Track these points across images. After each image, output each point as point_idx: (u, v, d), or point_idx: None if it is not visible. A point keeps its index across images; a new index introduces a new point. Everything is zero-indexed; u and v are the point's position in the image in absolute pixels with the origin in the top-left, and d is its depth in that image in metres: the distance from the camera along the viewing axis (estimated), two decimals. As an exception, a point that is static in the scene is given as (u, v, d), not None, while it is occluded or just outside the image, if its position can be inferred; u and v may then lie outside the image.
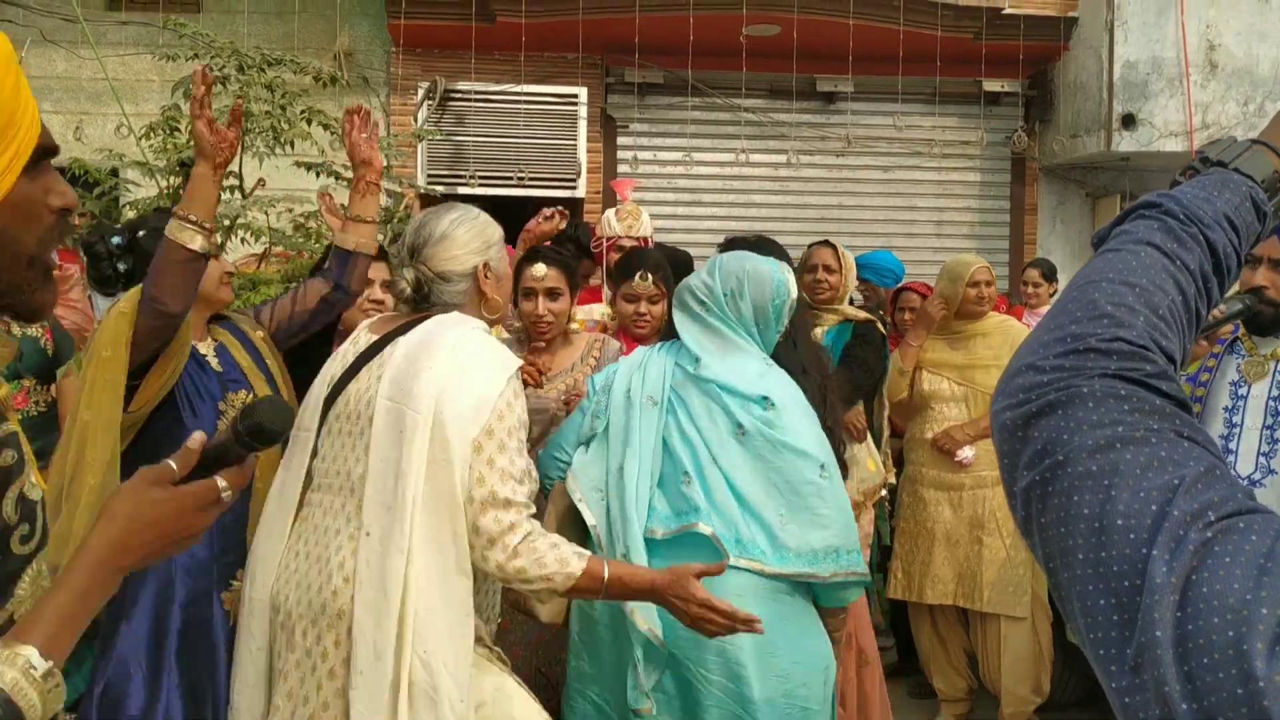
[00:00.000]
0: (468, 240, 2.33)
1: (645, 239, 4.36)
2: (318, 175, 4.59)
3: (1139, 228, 0.94)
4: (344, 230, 2.79)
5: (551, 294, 3.31)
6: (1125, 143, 7.77)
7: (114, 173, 7.68)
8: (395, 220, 4.55)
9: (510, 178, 8.13)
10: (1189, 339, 0.90)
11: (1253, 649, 0.65)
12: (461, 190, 7.97)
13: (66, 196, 1.10)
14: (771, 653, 2.43)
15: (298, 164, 4.47)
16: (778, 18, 7.56)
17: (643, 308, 3.52)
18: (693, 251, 7.67)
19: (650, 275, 3.50)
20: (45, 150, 1.05)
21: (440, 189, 7.76)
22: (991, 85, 8.32)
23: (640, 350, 2.87)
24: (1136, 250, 0.91)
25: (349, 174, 4.84)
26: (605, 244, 4.34)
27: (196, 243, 2.30)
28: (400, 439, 2.12)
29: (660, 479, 2.59)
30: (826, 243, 4.46)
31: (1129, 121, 7.72)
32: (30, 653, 0.97)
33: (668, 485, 2.58)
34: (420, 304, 2.34)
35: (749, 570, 2.43)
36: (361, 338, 2.37)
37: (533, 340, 3.38)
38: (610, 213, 4.40)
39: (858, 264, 4.78)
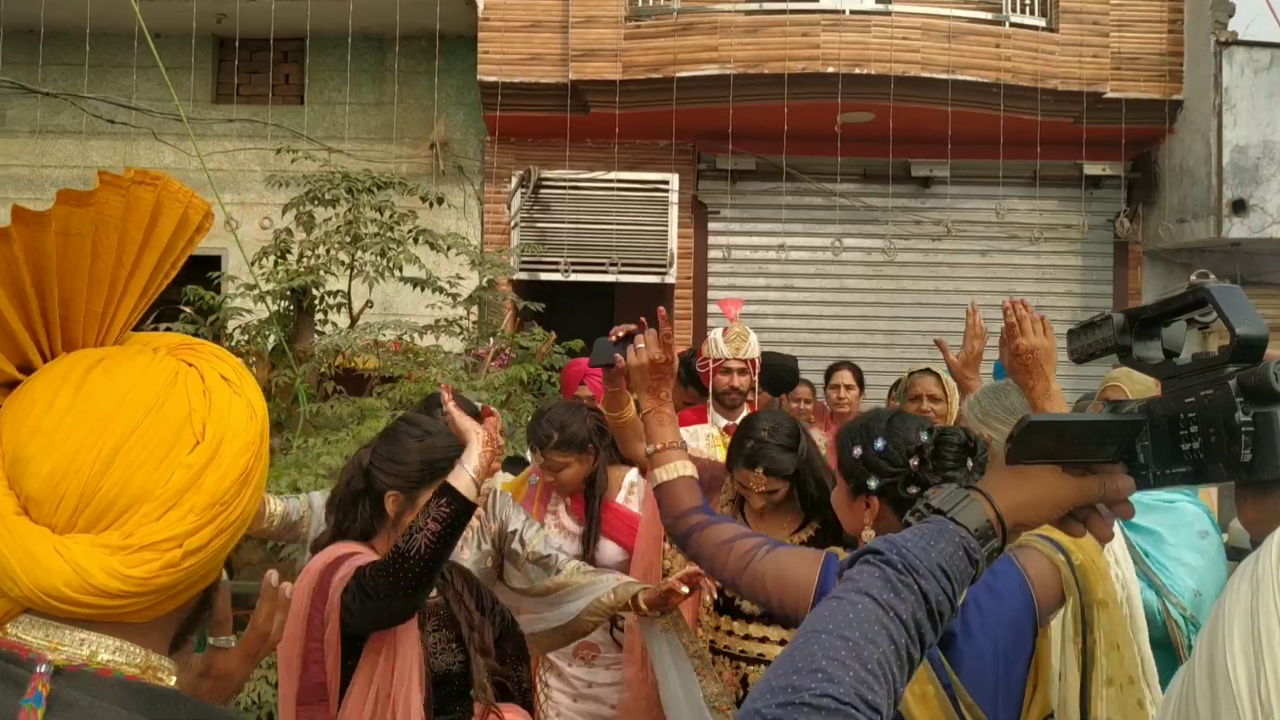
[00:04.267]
0: None
1: (753, 361, 4.26)
2: (422, 290, 4.61)
3: (863, 575, 1.02)
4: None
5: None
6: (1236, 229, 7.51)
7: (217, 262, 7.88)
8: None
9: (602, 264, 8.15)
10: (902, 682, 0.98)
11: None
12: (554, 277, 8.01)
13: None
14: None
15: (403, 280, 4.50)
16: (872, 105, 7.50)
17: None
18: (784, 338, 7.67)
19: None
20: None
21: (539, 275, 7.81)
22: (1093, 169, 8.14)
23: None
24: (855, 601, 1.00)
25: (453, 289, 4.90)
26: (712, 365, 4.25)
27: None
28: None
29: None
30: (929, 371, 4.35)
31: (1240, 207, 7.47)
32: None
33: None
34: None
35: None
36: None
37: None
38: (717, 333, 4.31)
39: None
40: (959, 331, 8.55)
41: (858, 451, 1.93)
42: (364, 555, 2.14)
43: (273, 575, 1.15)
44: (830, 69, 7.39)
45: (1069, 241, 8.42)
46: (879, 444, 1.91)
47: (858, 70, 7.42)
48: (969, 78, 7.50)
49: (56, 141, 8.46)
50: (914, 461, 1.85)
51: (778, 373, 5.14)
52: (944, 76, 7.44)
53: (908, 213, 8.40)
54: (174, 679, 0.92)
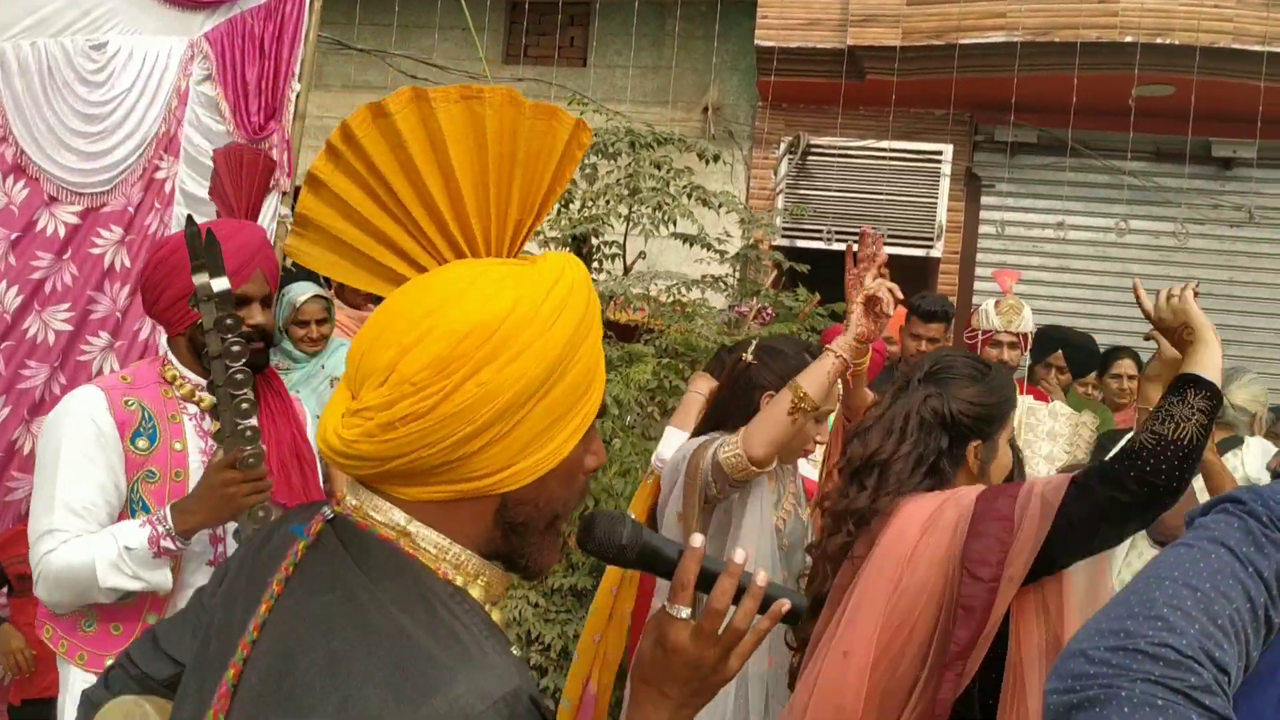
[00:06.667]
0: None
1: (1025, 335, 4.14)
2: (691, 246, 4.73)
3: (1219, 524, 0.93)
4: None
5: None
6: None
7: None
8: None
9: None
10: (1257, 645, 0.88)
11: None
12: (816, 245, 7.98)
13: (600, 456, 1.09)
14: None
15: (675, 236, 4.63)
16: (1173, 78, 7.00)
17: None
18: (1058, 320, 7.31)
19: None
20: (600, 411, 1.07)
21: (796, 242, 7.81)
22: None
23: None
24: (1209, 551, 0.91)
25: (721, 246, 5.01)
26: (980, 337, 4.15)
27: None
28: None
29: None
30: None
31: None
32: None
33: None
34: None
35: None
36: None
37: None
38: (989, 304, 4.21)
39: None
40: (1257, 327, 7.92)
41: None
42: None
43: (739, 553, 1.08)
44: (1128, 38, 6.95)
45: (1391, 235, 7.60)
46: None
47: (1159, 40, 6.94)
48: (1288, 50, 6.86)
49: (365, 96, 9.06)
50: None
51: (1081, 354, 4.97)
52: (1258, 48, 6.84)
53: (1204, 195, 7.81)
54: (447, 566, 0.98)
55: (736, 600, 1.07)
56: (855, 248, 2.60)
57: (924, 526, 1.88)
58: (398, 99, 0.99)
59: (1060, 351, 4.93)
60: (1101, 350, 5.29)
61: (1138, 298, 2.26)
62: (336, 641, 0.91)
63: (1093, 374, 5.18)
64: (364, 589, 0.94)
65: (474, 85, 0.99)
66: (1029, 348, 4.20)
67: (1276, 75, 6.84)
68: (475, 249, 1.02)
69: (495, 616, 1.01)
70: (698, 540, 1.07)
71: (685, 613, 1.05)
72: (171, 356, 2.22)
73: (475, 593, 1.00)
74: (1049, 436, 3.92)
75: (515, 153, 1.00)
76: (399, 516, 0.99)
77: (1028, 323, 4.14)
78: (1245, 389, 3.72)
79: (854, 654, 1.84)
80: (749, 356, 2.44)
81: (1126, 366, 5.17)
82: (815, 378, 2.24)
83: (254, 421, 2.09)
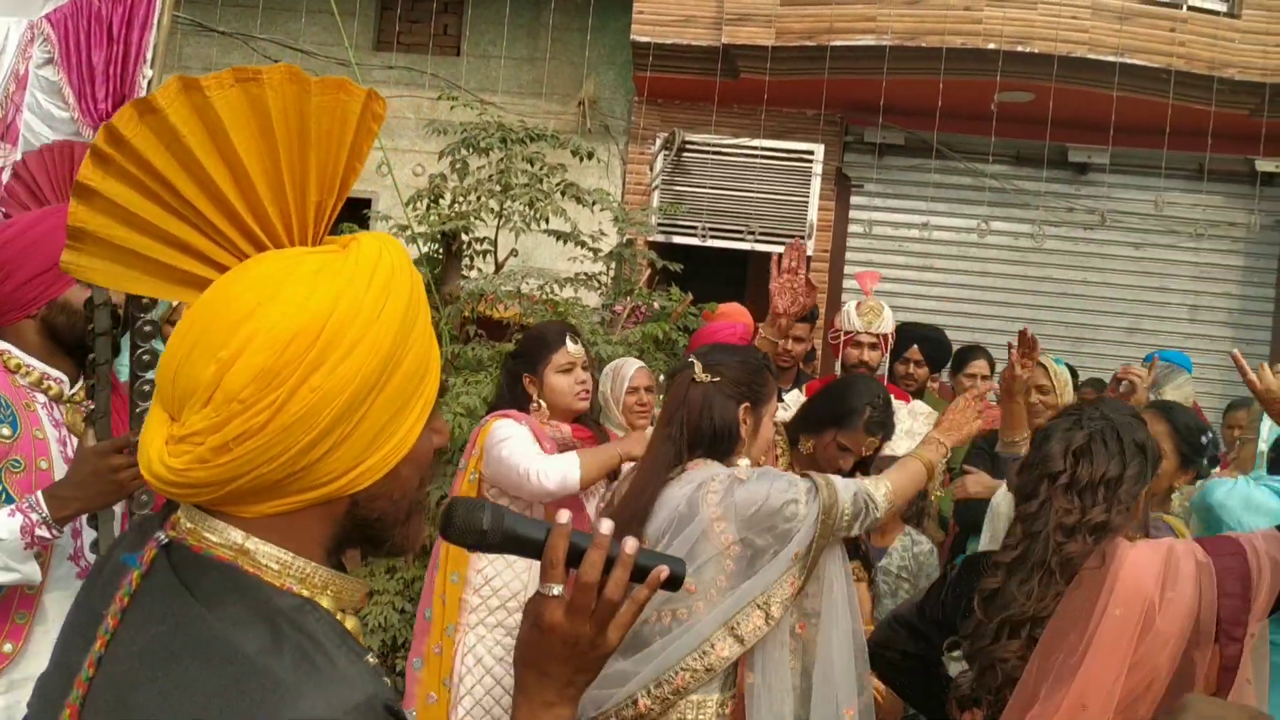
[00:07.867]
0: None
1: (886, 336, 4.23)
2: (565, 243, 4.69)
3: None
4: None
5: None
6: None
7: (366, 203, 8.14)
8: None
9: (740, 231, 8.13)
10: None
11: None
12: (691, 241, 8.03)
13: (444, 433, 1.07)
14: None
15: (548, 233, 4.59)
16: (1033, 85, 7.27)
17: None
18: (921, 318, 7.52)
19: None
20: (441, 391, 1.03)
21: (673, 238, 7.85)
22: (1266, 165, 7.72)
23: None
24: None
25: (596, 243, 4.98)
26: (843, 338, 4.23)
27: None
28: None
29: None
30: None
31: None
32: None
33: None
34: None
35: None
36: None
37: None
38: (851, 306, 4.29)
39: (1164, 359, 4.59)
40: (1107, 326, 8.26)
41: None
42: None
43: (605, 524, 1.05)
44: (991, 45, 7.17)
45: (1232, 240, 8.03)
46: None
47: (1020, 48, 7.18)
48: (1138, 61, 7.17)
49: (227, 80, 8.83)
50: None
51: (934, 347, 5.01)
52: (1111, 59, 7.14)
53: (1060, 199, 8.13)
54: (292, 581, 0.93)
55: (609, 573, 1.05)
56: (779, 257, 2.78)
57: (1160, 580, 1.91)
58: (165, 92, 0.90)
59: (916, 346, 4.98)
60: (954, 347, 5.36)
61: (1241, 369, 2.34)
62: (173, 673, 0.85)
63: (944, 369, 5.25)
64: (198, 616, 0.88)
65: (250, 67, 0.91)
66: (890, 349, 4.28)
67: (1129, 85, 7.15)
68: (276, 239, 0.95)
69: (350, 624, 0.97)
70: (564, 516, 1.05)
71: (557, 590, 1.04)
72: (8, 345, 2.14)
73: (325, 602, 0.95)
74: (907, 436, 3.94)
75: (305, 132, 0.93)
76: (236, 535, 0.93)
77: (888, 324, 4.24)
78: (1179, 390, 3.97)
79: (1092, 707, 1.85)
80: (703, 375, 2.29)
81: (980, 366, 5.26)
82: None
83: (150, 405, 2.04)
